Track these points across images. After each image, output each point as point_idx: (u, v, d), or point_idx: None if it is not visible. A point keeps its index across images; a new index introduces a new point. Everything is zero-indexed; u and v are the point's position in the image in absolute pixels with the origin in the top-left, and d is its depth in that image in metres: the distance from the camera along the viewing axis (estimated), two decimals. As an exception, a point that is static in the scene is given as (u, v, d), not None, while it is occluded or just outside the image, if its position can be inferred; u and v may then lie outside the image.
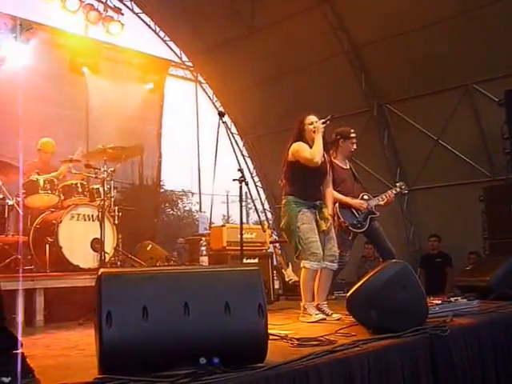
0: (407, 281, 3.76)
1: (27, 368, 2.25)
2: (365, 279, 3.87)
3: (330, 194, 5.03)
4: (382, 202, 5.72)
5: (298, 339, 3.41)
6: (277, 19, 9.72)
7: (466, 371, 3.60)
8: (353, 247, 5.78)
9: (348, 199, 5.51)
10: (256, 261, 6.71)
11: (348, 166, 5.74)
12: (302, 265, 4.73)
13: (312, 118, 4.90)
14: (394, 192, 5.91)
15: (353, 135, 5.65)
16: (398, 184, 6.16)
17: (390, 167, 10.41)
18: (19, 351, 2.30)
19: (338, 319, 4.52)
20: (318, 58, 9.93)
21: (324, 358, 2.83)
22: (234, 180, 4.39)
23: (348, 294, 3.96)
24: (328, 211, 4.89)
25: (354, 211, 5.53)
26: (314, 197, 4.86)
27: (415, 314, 3.68)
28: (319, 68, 10.05)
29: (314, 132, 4.74)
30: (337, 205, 5.39)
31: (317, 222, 4.77)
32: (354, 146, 5.65)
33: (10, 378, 2.17)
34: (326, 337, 3.45)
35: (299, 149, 4.77)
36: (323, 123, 4.75)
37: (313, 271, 4.72)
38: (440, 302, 4.40)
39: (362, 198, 5.63)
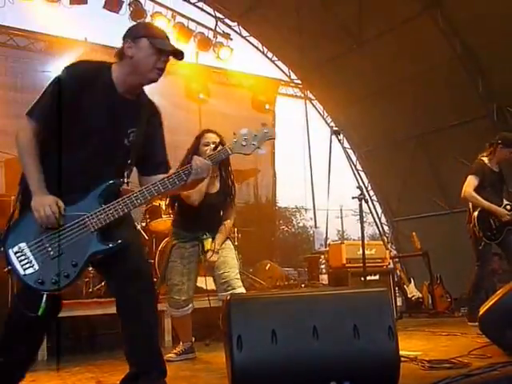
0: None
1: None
2: (498, 296, 3.64)
3: (227, 228, 4.26)
4: None
5: (428, 361, 3.29)
6: (385, 29, 9.55)
7: None
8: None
9: (492, 206, 5.33)
10: (377, 277, 6.58)
11: (498, 170, 5.59)
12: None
13: (210, 137, 4.13)
14: None
15: None
16: None
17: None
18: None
19: None
20: (429, 65, 9.56)
21: (460, 382, 2.69)
22: (353, 198, 4.31)
23: (481, 312, 3.75)
24: (212, 243, 4.11)
25: (492, 221, 5.32)
26: (199, 228, 4.13)
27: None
28: (431, 75, 9.68)
29: None
30: (476, 213, 5.32)
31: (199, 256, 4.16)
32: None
33: None
34: (459, 359, 3.29)
35: None
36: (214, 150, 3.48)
37: (177, 318, 4.29)
38: None
39: (505, 208, 5.38)
